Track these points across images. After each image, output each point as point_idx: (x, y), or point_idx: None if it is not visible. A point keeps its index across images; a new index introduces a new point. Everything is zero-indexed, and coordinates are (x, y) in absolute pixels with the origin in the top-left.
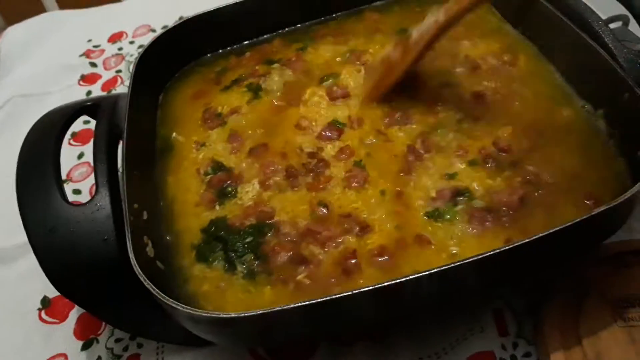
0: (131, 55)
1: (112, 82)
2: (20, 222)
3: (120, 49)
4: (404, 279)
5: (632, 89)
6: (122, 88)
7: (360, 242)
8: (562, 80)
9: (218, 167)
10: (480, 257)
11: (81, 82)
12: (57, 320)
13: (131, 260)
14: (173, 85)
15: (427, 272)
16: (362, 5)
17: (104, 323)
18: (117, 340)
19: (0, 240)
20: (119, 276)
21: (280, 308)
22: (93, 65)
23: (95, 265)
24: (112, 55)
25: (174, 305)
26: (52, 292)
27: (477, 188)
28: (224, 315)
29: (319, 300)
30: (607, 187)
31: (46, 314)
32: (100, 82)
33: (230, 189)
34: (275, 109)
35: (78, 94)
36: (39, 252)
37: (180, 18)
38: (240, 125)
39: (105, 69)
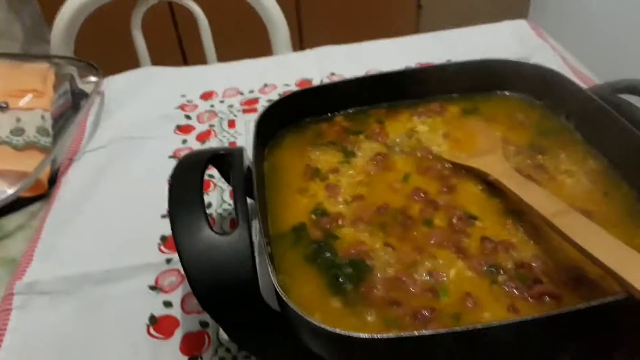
0: (223, 113)
1: (206, 134)
2: (126, 247)
3: (212, 106)
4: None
5: None
6: (215, 140)
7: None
8: None
9: (321, 211)
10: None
11: (177, 131)
12: (164, 336)
13: (275, 285)
14: (275, 142)
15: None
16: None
17: (206, 342)
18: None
19: (108, 263)
20: (253, 298)
21: (444, 331)
22: (188, 117)
23: (236, 286)
24: (205, 111)
25: (328, 329)
26: (159, 311)
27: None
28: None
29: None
30: None
31: (154, 329)
32: (194, 133)
33: (331, 229)
34: (368, 172)
35: (175, 141)
36: (189, 271)
37: (265, 85)
38: (338, 181)
39: (199, 122)
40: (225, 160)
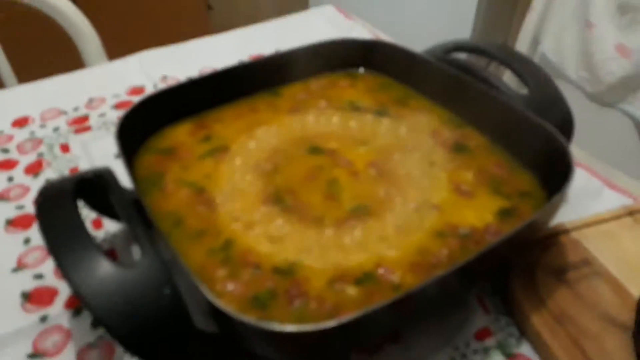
0: (50, 138)
1: (36, 165)
2: None
3: (32, 132)
4: (416, 288)
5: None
6: (51, 170)
7: None
8: None
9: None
10: (469, 260)
11: None
12: None
13: (215, 303)
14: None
15: (432, 280)
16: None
17: None
18: None
19: None
20: (185, 326)
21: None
22: (5, 151)
23: (164, 319)
24: (25, 140)
25: (268, 327)
26: None
27: None
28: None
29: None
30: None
31: None
32: (20, 167)
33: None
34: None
35: None
36: (105, 321)
37: (91, 100)
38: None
39: (21, 153)
40: (95, 184)
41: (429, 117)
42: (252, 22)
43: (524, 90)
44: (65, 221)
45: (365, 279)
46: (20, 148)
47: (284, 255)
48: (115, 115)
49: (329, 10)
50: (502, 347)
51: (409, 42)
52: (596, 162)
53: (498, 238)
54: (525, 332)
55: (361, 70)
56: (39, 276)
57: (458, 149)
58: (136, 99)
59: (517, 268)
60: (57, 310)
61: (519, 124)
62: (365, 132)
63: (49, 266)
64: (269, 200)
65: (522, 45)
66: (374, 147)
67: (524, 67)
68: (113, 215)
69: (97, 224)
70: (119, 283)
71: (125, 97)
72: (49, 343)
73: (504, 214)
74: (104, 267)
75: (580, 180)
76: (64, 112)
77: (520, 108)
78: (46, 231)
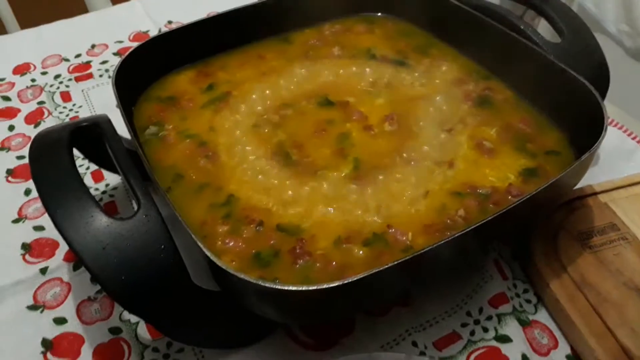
0: (51, 86)
1: (36, 114)
2: None
3: (33, 80)
4: (424, 250)
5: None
6: (52, 119)
7: None
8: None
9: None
10: (482, 222)
11: None
12: (69, 359)
13: (213, 259)
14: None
15: (443, 242)
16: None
17: (125, 350)
18: None
19: None
20: (181, 282)
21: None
22: (6, 99)
23: (159, 275)
24: (27, 88)
25: (270, 285)
26: (51, 332)
27: None
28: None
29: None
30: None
31: (53, 355)
32: (21, 115)
33: None
34: None
35: None
36: (97, 274)
37: (93, 46)
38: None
39: (22, 101)
40: (91, 132)
41: (452, 67)
42: None
43: (557, 40)
44: (59, 171)
45: (374, 240)
46: (21, 96)
47: (288, 213)
48: None
49: None
50: (517, 314)
51: None
52: (632, 122)
53: (518, 199)
54: (543, 298)
55: (379, 14)
56: (39, 228)
57: (482, 102)
58: None
59: (539, 232)
60: (58, 263)
61: (549, 76)
62: (381, 82)
63: (49, 218)
64: (274, 155)
65: None
66: (390, 99)
67: (559, 14)
68: (111, 167)
69: (98, 176)
70: (112, 236)
71: (128, 43)
72: (49, 295)
73: (528, 174)
74: (98, 219)
75: (612, 140)
76: (66, 59)
77: (550, 57)
78: (38, 181)
